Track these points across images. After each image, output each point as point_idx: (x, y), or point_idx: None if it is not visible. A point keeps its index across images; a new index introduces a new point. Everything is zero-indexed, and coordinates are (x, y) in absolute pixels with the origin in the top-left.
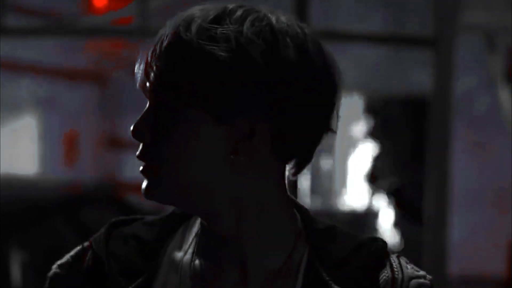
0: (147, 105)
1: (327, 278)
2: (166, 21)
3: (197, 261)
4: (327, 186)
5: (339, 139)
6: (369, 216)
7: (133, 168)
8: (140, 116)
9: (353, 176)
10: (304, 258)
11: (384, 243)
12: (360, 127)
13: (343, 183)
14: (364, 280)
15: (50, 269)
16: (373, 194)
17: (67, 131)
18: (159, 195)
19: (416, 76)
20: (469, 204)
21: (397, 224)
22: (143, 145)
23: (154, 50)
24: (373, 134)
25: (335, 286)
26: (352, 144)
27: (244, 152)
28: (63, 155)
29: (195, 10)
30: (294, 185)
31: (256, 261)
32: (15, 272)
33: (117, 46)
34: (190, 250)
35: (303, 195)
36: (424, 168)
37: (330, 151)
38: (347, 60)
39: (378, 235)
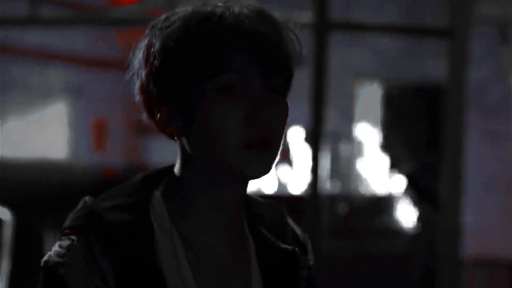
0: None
1: (265, 232)
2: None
3: (182, 226)
4: (346, 171)
5: (358, 125)
6: (387, 200)
7: (160, 154)
8: None
9: (372, 162)
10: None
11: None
12: (378, 114)
13: (362, 168)
14: (280, 230)
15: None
16: (391, 179)
17: (96, 118)
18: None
19: (431, 65)
20: (482, 190)
21: (414, 208)
22: None
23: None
24: (390, 121)
25: (271, 237)
26: (370, 130)
27: None
28: (92, 141)
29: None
30: (314, 170)
31: (232, 224)
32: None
33: (143, 34)
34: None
35: (323, 179)
36: (439, 155)
37: (349, 136)
38: (365, 50)
39: (396, 219)
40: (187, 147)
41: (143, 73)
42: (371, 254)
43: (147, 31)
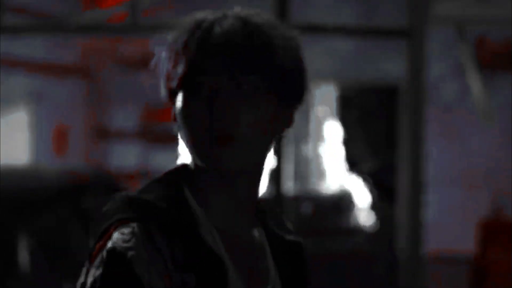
0: None
1: (271, 226)
2: (156, 18)
3: (211, 217)
4: (307, 171)
5: (314, 127)
6: (346, 198)
7: (120, 158)
8: None
9: (332, 161)
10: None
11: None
12: (335, 115)
13: (321, 168)
14: (281, 225)
15: (55, 254)
16: (350, 177)
17: (57, 123)
18: None
19: (387, 66)
20: (441, 185)
21: (373, 205)
22: None
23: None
24: (348, 121)
25: (277, 230)
26: (327, 130)
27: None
28: (53, 146)
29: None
30: (277, 171)
31: (250, 216)
32: (23, 259)
33: (104, 42)
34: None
35: (286, 180)
36: (398, 153)
37: (306, 138)
38: (321, 52)
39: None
40: None
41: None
42: (335, 252)
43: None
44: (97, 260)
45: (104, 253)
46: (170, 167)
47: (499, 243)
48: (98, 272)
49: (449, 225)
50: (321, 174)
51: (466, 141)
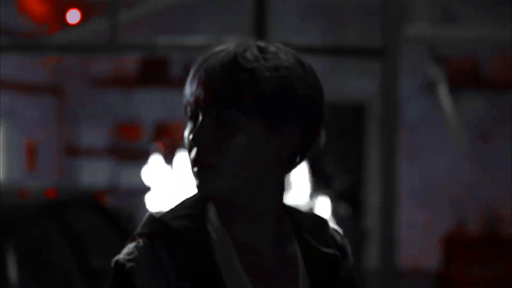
0: None
1: (307, 237)
2: (134, 36)
3: (233, 233)
4: None
5: None
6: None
7: (90, 175)
8: None
9: (299, 178)
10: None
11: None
12: None
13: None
14: (320, 236)
15: (41, 269)
16: (318, 193)
17: (29, 140)
18: None
19: (355, 83)
20: (405, 201)
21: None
22: None
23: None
24: None
25: (313, 242)
26: None
27: None
28: (25, 162)
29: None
30: None
31: (275, 230)
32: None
33: (75, 60)
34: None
35: None
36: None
37: None
38: None
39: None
40: None
41: None
42: None
43: None
44: None
45: (113, 263)
46: (139, 183)
47: (462, 257)
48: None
49: (413, 240)
50: (289, 191)
51: (430, 158)
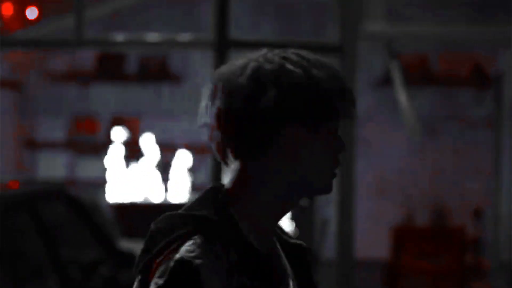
0: None
1: (278, 231)
2: (100, 32)
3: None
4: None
5: None
6: None
7: (48, 167)
8: None
9: None
10: None
11: None
12: None
13: None
14: (282, 229)
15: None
16: None
17: None
18: None
19: None
20: (357, 194)
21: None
22: None
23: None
24: None
25: (283, 235)
26: None
27: None
28: None
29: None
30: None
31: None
32: None
33: (33, 55)
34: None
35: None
36: None
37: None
38: None
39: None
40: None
41: None
42: None
43: None
44: (160, 271)
45: (171, 263)
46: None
47: (410, 248)
48: (161, 281)
49: (366, 231)
50: None
51: (381, 151)
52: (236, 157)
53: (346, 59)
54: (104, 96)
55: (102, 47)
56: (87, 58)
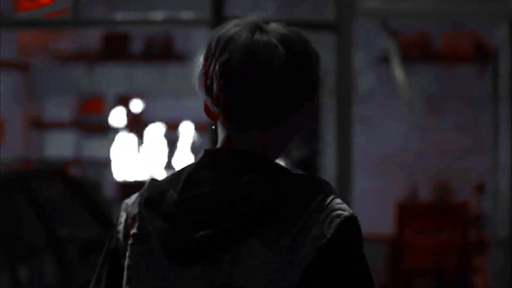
0: None
1: None
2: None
3: None
4: None
5: None
6: None
7: (55, 147)
8: None
9: None
10: None
11: None
12: None
13: None
14: None
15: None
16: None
17: None
18: None
19: None
20: (359, 170)
21: None
22: None
23: None
24: None
25: None
26: None
27: None
28: None
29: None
30: None
31: None
32: None
33: (39, 36)
34: None
35: None
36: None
37: None
38: None
39: None
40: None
41: None
42: None
43: None
44: (326, 224)
45: (340, 218)
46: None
47: (414, 224)
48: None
49: (367, 208)
50: None
51: (383, 128)
52: (260, 124)
53: (342, 37)
54: (110, 75)
55: (101, 27)
56: (92, 38)
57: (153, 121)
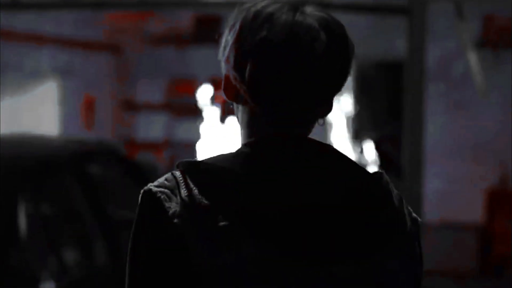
0: None
1: None
2: None
3: None
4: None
5: None
6: None
7: (145, 130)
8: None
9: (340, 132)
10: None
11: None
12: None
13: (332, 138)
14: None
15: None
16: (360, 148)
17: (85, 97)
18: None
19: (394, 42)
20: (449, 157)
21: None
22: None
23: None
24: (353, 93)
25: None
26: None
27: None
28: (81, 118)
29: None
30: None
31: None
32: (23, 225)
33: (129, 17)
34: None
35: None
36: (400, 124)
37: None
38: None
39: None
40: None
41: None
42: None
43: None
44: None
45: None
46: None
47: (505, 211)
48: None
49: (456, 195)
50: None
51: (473, 115)
52: (317, 104)
53: (414, 22)
54: (201, 58)
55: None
56: (184, 20)
57: None
